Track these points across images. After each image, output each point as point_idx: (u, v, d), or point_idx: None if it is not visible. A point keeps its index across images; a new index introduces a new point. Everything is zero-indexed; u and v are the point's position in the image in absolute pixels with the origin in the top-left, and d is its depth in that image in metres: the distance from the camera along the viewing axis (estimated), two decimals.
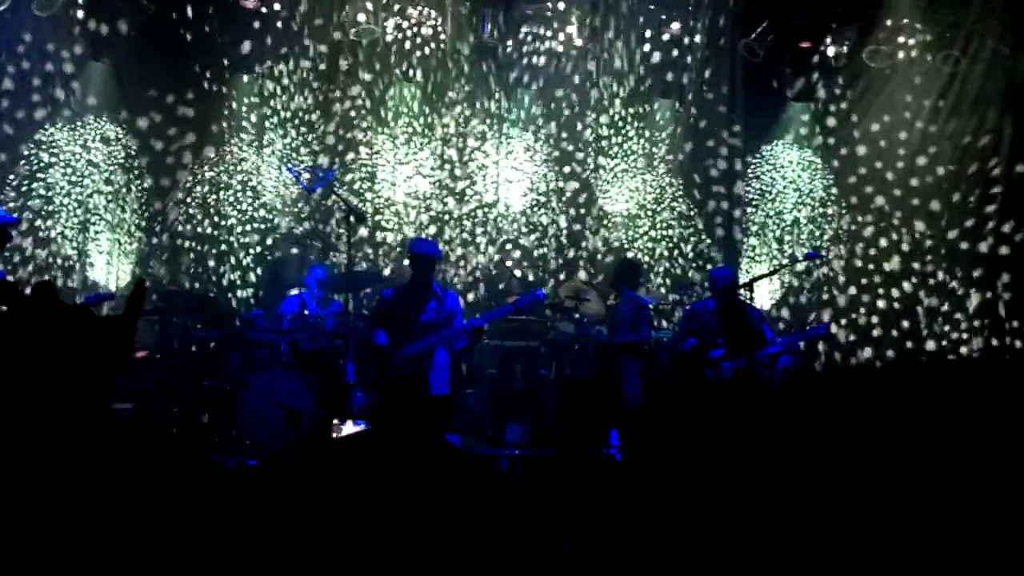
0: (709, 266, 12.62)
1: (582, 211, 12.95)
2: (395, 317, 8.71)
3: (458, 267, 12.40)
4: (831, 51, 13.09)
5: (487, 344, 10.96)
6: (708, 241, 13.10)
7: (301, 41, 12.29)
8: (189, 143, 12.26)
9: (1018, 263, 12.69)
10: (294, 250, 11.98)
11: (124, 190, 12.05)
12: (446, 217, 12.59)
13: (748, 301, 9.44)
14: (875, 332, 12.99)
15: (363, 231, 12.02)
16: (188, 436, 9.04)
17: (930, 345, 12.77)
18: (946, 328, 12.85)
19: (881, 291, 13.02)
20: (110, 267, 11.97)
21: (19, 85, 11.62)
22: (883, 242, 13.17)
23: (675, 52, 12.90)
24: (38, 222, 11.61)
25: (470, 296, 12.10)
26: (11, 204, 11.27)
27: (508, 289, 11.81)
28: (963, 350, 12.60)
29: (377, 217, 12.40)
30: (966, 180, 12.99)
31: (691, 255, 13.02)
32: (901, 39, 12.80)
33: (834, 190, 13.38)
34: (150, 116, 12.15)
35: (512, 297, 9.57)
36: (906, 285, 13.00)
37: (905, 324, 12.94)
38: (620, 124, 13.07)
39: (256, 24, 12.14)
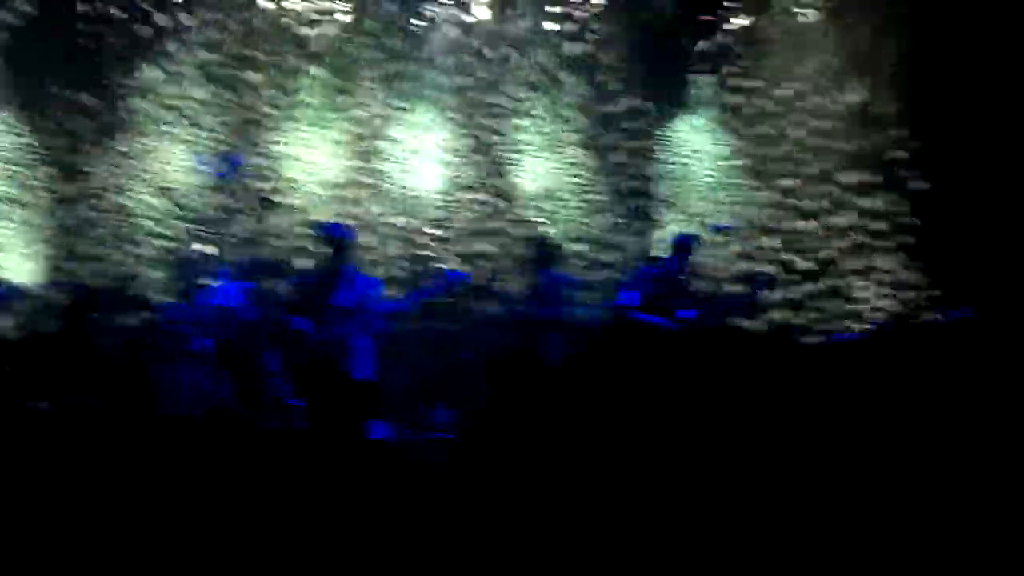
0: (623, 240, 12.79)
1: (496, 189, 12.92)
2: (313, 301, 8.66)
3: (373, 250, 12.32)
4: (732, 20, 13.21)
5: (410, 327, 10.92)
6: (620, 216, 13.15)
7: (204, 23, 12.06)
8: (91, 134, 11.99)
9: (924, 229, 12.98)
10: (206, 239, 11.79)
11: (21, 179, 11.78)
12: (359, 200, 12.48)
13: None
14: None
15: (273, 217, 11.88)
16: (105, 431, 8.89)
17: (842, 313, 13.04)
18: (857, 295, 13.12)
19: (790, 260, 13.19)
20: (8, 259, 11.72)
21: None
22: (790, 211, 13.35)
23: (585, 23, 12.90)
24: None
25: (388, 277, 12.05)
26: None
27: (429, 273, 11.78)
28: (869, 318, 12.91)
29: (287, 202, 12.25)
30: (869, 142, 13.22)
31: (605, 232, 13.07)
32: (802, 7, 12.98)
33: (740, 160, 13.51)
34: (49, 106, 11.85)
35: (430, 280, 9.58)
36: (818, 254, 13.18)
37: (813, 288, 13.13)
38: (530, 101, 13.05)
39: (157, 7, 11.88)
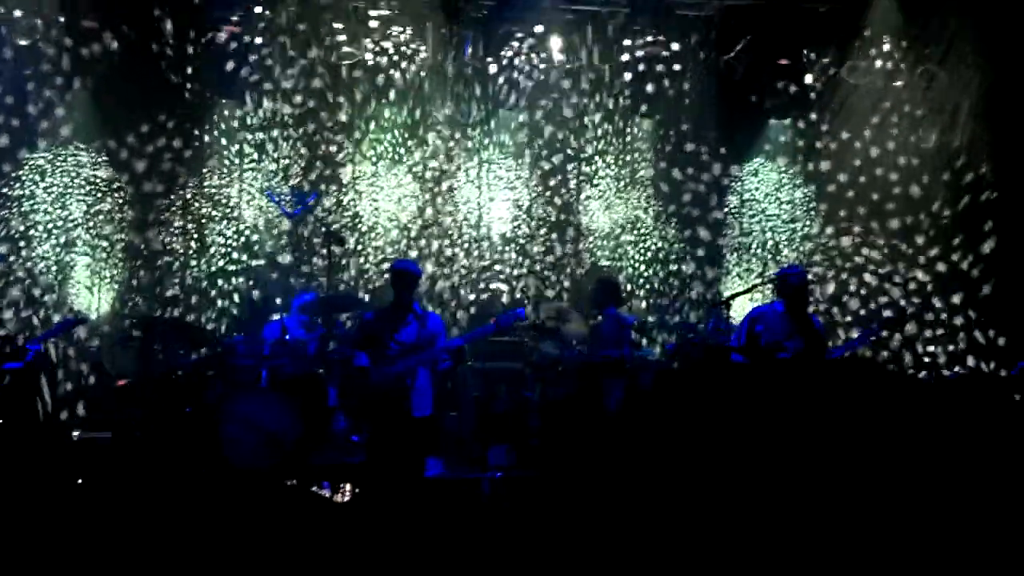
0: (693, 283, 12.70)
1: (564, 230, 12.93)
2: (376, 338, 8.70)
3: (439, 288, 12.38)
4: (810, 68, 13.11)
5: (471, 366, 10.94)
6: (689, 259, 13.06)
7: (282, 65, 12.31)
8: (170, 168, 12.27)
9: (997, 277, 12.75)
10: (275, 275, 11.95)
11: (105, 215, 12.07)
12: (428, 238, 12.57)
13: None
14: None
15: (344, 254, 11.99)
16: (169, 463, 9.00)
17: (907, 360, 12.79)
18: (929, 346, 12.87)
19: (861, 305, 12.98)
20: (91, 292, 11.98)
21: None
22: (861, 258, 13.16)
23: (658, 68, 12.89)
24: (22, 244, 11.67)
25: (453, 317, 12.10)
26: None
27: (490, 310, 11.80)
28: (943, 367, 12.65)
29: (358, 240, 12.38)
30: (945, 194, 13.04)
31: (673, 272, 12.99)
32: (878, 55, 12.83)
33: (814, 205, 13.36)
34: (130, 142, 12.17)
35: (493, 318, 9.56)
36: (883, 300, 12.96)
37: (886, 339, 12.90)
38: (602, 142, 13.07)
39: (237, 48, 12.14)
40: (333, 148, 12.57)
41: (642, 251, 13.02)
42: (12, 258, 11.37)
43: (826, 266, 13.08)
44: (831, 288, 12.97)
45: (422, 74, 12.65)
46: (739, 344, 9.13)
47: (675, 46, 12.85)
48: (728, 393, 7.48)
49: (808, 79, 13.17)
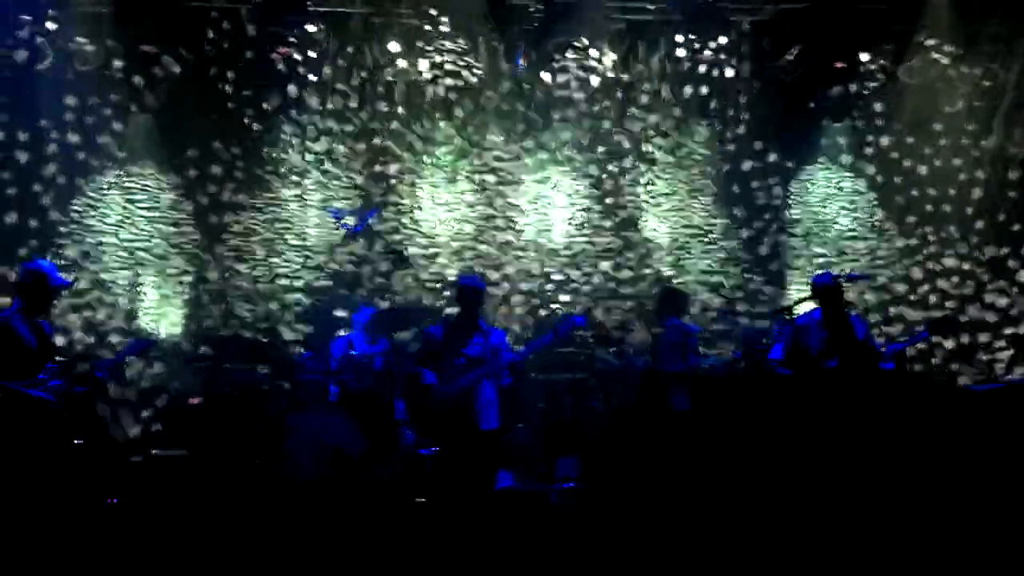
0: (756, 290, 12.69)
1: (624, 240, 12.92)
2: (441, 353, 8.78)
3: (502, 301, 12.41)
4: (865, 69, 13.01)
5: (535, 378, 10.97)
6: (752, 266, 13.00)
7: (339, 83, 12.44)
8: (231, 189, 12.43)
9: None
10: (341, 291, 12.05)
11: (170, 237, 12.26)
12: (488, 252, 12.62)
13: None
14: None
15: (405, 269, 12.06)
16: (241, 480, 9.12)
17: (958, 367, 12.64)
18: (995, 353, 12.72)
19: (925, 309, 12.83)
20: (159, 314, 12.15)
21: (63, 139, 11.88)
22: (925, 260, 13.02)
23: (712, 74, 12.85)
24: (88, 266, 11.87)
25: (515, 329, 12.13)
26: (63, 257, 11.54)
27: (552, 322, 11.82)
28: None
29: (418, 255, 12.46)
30: (1007, 194, 12.89)
31: (736, 281, 12.93)
32: (936, 54, 12.71)
33: (876, 209, 13.25)
34: (192, 164, 12.36)
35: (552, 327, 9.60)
36: (949, 303, 12.81)
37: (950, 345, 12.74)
38: (658, 151, 13.06)
39: (292, 68, 12.27)
40: (391, 164, 12.67)
41: (704, 259, 12.98)
42: (79, 282, 11.50)
43: (887, 268, 12.97)
44: (887, 288, 12.85)
45: (476, 88, 12.72)
46: (781, 355, 9.08)
47: (729, 51, 12.81)
48: (775, 404, 7.48)
49: (864, 81, 13.08)
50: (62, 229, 11.94)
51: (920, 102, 12.93)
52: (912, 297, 12.88)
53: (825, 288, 8.97)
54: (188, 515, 7.74)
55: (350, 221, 11.63)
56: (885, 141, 13.20)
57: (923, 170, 13.10)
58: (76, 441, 7.80)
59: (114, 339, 11.68)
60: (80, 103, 11.93)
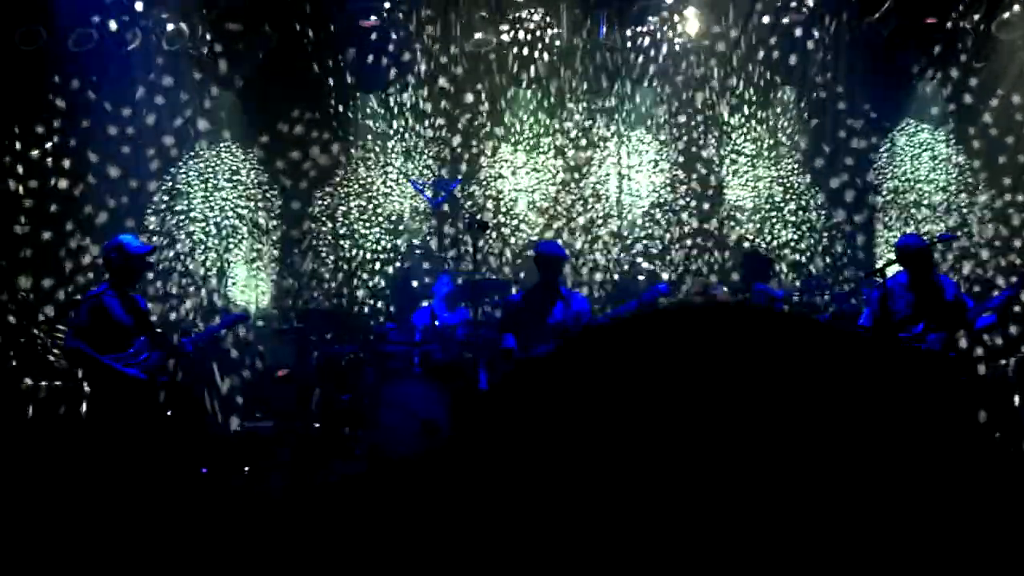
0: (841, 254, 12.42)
1: (708, 205, 12.77)
2: (522, 320, 8.77)
3: (584, 268, 12.36)
4: (959, 25, 12.60)
5: None
6: (840, 229, 12.74)
7: (420, 54, 12.46)
8: (317, 163, 12.55)
9: None
10: (425, 264, 12.12)
11: (257, 211, 12.44)
12: (570, 219, 12.58)
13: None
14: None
15: (487, 238, 12.08)
16: (329, 450, 9.23)
17: None
18: None
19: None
20: (247, 288, 12.35)
21: (152, 117, 12.08)
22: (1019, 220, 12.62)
23: (798, 33, 12.58)
24: (178, 245, 12.06)
25: (597, 295, 12.08)
26: (151, 231, 11.76)
27: (636, 288, 11.73)
28: None
29: (500, 223, 12.47)
30: None
31: (823, 244, 12.69)
32: None
33: (968, 169, 12.88)
34: (279, 138, 12.50)
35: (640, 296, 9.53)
36: None
37: None
38: (743, 115, 12.86)
39: (376, 41, 12.31)
40: (473, 134, 12.68)
41: (790, 223, 12.77)
42: (167, 260, 11.70)
43: (981, 230, 12.60)
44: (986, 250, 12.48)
45: (558, 56, 12.64)
46: (868, 320, 8.90)
47: (817, 10, 12.52)
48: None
49: (955, 37, 12.67)
50: (149, 208, 12.11)
51: (1014, 58, 12.50)
52: (1001, 261, 12.48)
53: (912, 250, 8.76)
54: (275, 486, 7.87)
55: (432, 191, 11.67)
56: (978, 98, 12.78)
57: (1015, 129, 12.65)
58: (168, 413, 7.97)
59: (202, 315, 11.90)
60: (167, 81, 12.11)
